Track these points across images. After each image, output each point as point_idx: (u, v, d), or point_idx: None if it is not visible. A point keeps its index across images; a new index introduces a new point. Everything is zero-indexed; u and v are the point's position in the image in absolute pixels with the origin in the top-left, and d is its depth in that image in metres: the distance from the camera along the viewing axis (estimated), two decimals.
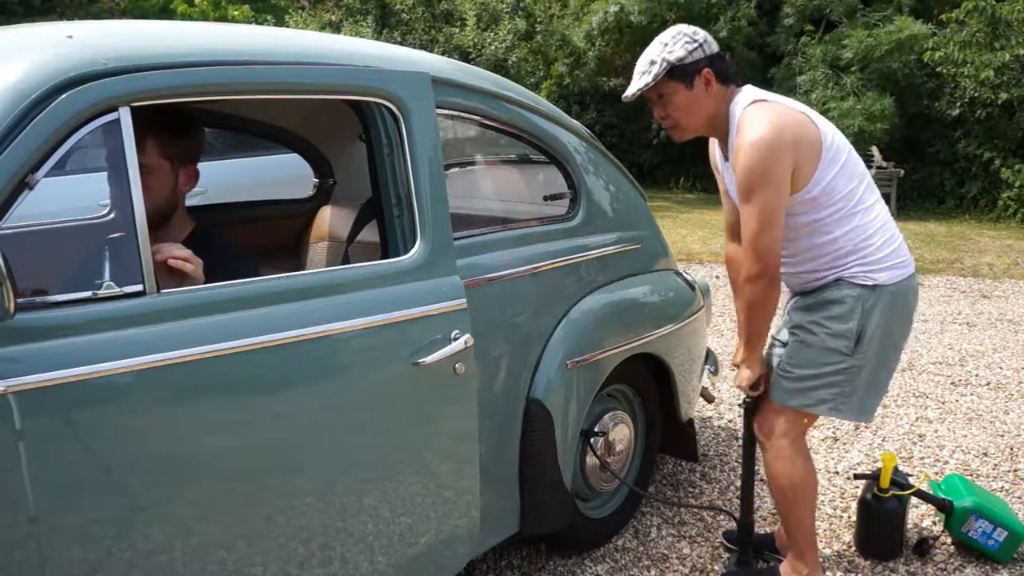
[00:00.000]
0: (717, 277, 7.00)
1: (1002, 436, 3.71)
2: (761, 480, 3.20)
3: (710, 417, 3.92)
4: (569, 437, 2.47)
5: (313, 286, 1.85)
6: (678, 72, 2.17)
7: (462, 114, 2.31)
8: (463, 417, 2.10)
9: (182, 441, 1.61)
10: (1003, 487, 3.20)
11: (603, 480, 2.72)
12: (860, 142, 10.09)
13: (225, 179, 4.13)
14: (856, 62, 11.08)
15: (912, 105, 11.27)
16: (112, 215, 1.82)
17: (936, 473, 3.32)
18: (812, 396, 2.30)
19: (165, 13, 17.79)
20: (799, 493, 2.39)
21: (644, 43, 2.27)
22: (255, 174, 4.70)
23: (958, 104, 10.84)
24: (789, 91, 10.52)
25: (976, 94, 10.52)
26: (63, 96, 1.50)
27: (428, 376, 1.98)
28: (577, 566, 2.68)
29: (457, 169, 2.85)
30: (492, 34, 14.74)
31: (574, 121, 2.76)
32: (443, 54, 11.78)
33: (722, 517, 2.96)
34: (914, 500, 2.77)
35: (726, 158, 2.31)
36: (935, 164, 11.51)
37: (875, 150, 10.72)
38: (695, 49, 2.17)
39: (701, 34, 2.20)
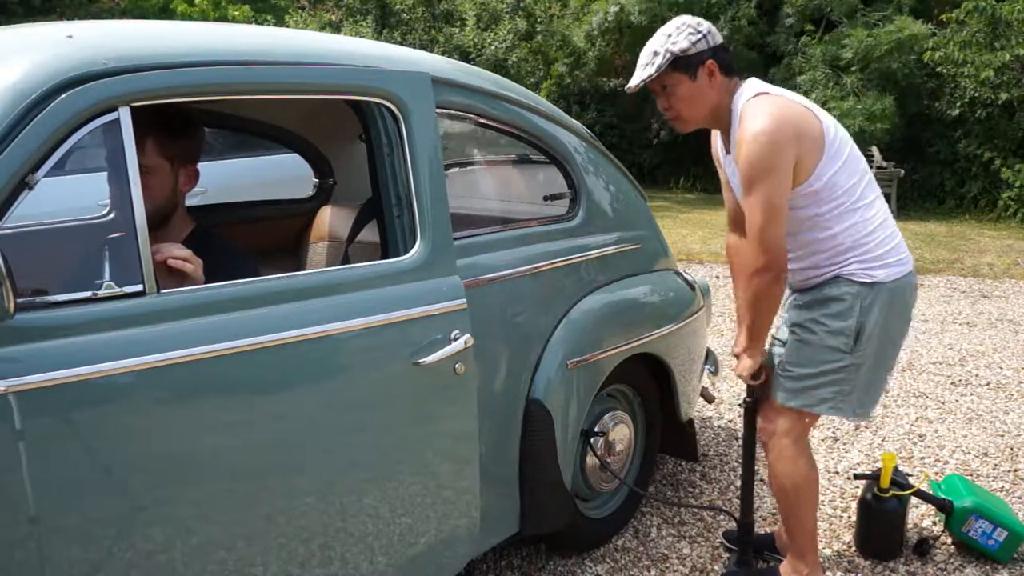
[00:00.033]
0: (717, 277, 7.01)
1: (1002, 436, 3.71)
2: (761, 480, 3.21)
3: (710, 417, 3.92)
4: (569, 437, 2.46)
5: (313, 286, 1.85)
6: (681, 63, 2.16)
7: (462, 114, 2.31)
8: (463, 417, 2.10)
9: (182, 441, 1.61)
10: (1003, 487, 3.20)
11: (603, 480, 2.72)
12: (860, 142, 9.97)
13: (225, 179, 4.13)
14: (856, 62, 11.08)
15: (912, 105, 11.27)
16: (112, 215, 1.82)
17: (936, 473, 3.32)
18: (813, 395, 2.30)
19: (165, 13, 17.79)
20: (801, 493, 2.39)
21: (644, 43, 2.26)
22: (255, 174, 4.70)
23: (958, 104, 10.85)
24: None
25: (976, 94, 10.52)
26: (63, 96, 1.50)
27: (428, 376, 1.98)
28: (577, 566, 2.68)
29: (457, 169, 2.85)
30: (492, 34, 14.74)
31: (574, 121, 2.76)
32: (443, 54, 11.78)
33: (722, 517, 2.96)
34: (914, 500, 2.77)
35: (727, 150, 2.31)
36: (935, 164, 11.51)
37: (875, 150, 10.73)
38: (699, 40, 2.16)
39: (705, 25, 2.20)
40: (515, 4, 14.66)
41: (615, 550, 2.77)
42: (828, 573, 2.62)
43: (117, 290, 1.56)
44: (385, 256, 2.07)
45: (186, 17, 15.47)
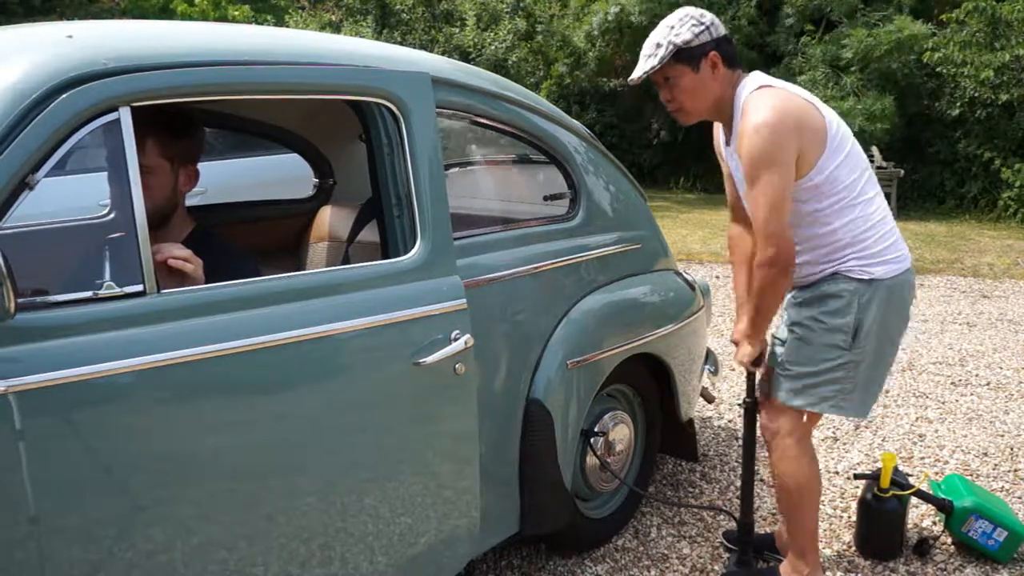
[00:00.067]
0: (717, 277, 7.01)
1: (1002, 436, 3.71)
2: (761, 480, 3.21)
3: (710, 417, 3.92)
4: (569, 437, 2.47)
5: (313, 286, 1.85)
6: (684, 55, 2.16)
7: (462, 114, 2.31)
8: (463, 417, 2.10)
9: (183, 441, 1.61)
10: (1003, 487, 3.20)
11: (603, 480, 2.72)
12: (860, 142, 9.84)
13: (225, 179, 4.13)
14: (856, 62, 11.08)
15: (912, 105, 11.27)
16: (112, 215, 1.82)
17: (936, 473, 3.32)
18: (815, 394, 2.30)
19: (165, 13, 17.79)
20: (804, 493, 2.39)
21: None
22: (255, 174, 4.70)
23: (958, 104, 10.84)
24: None
25: (976, 94, 10.52)
26: (63, 96, 1.50)
27: (428, 376, 1.99)
28: (577, 566, 2.68)
29: (457, 169, 2.85)
30: (492, 34, 14.73)
31: (574, 121, 2.76)
32: (443, 54, 11.78)
33: (722, 517, 2.96)
34: (914, 500, 2.77)
35: (728, 143, 2.31)
36: (935, 164, 11.51)
37: (875, 150, 10.72)
38: (702, 32, 2.16)
39: (708, 17, 2.19)
40: (515, 4, 14.66)
41: (615, 550, 2.77)
42: (828, 573, 2.62)
43: (117, 290, 1.56)
44: (385, 256, 2.07)
45: (186, 17, 15.47)
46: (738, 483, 2.97)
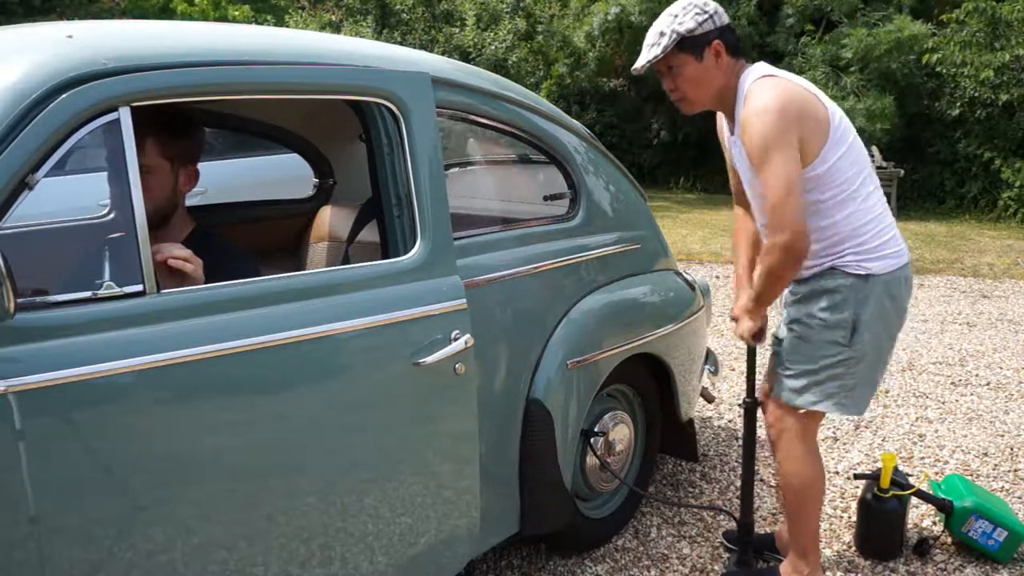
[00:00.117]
0: (717, 277, 7.01)
1: (1002, 436, 3.71)
2: (761, 480, 3.21)
3: (710, 417, 3.92)
4: (569, 437, 2.46)
5: (313, 286, 1.85)
6: (688, 44, 2.15)
7: (462, 114, 2.31)
8: (463, 417, 2.10)
9: (183, 441, 1.61)
10: (1003, 487, 3.20)
11: (603, 480, 2.72)
12: None
13: (225, 179, 4.13)
14: (856, 62, 11.08)
15: (912, 105, 11.27)
16: (112, 215, 1.82)
17: (936, 473, 3.32)
18: (816, 392, 2.29)
19: (165, 13, 17.79)
20: (808, 493, 2.39)
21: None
22: (255, 174, 4.70)
23: (958, 104, 10.85)
24: None
25: (976, 94, 10.53)
26: (63, 96, 1.50)
27: (428, 376, 1.98)
28: (577, 566, 2.68)
29: (457, 169, 2.85)
30: (492, 34, 14.73)
31: (574, 121, 2.76)
32: (443, 54, 11.78)
33: (722, 517, 2.96)
34: (914, 500, 2.77)
35: (732, 132, 2.30)
36: (935, 164, 11.51)
37: (875, 150, 10.73)
38: (705, 20, 2.15)
39: (711, 5, 2.18)
40: (515, 4, 14.66)
41: (615, 550, 2.77)
42: (828, 573, 2.62)
43: (117, 290, 1.56)
44: (385, 256, 2.07)
45: (186, 17, 15.48)
46: (738, 483, 2.97)
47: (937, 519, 2.85)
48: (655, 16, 2.25)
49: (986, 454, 3.51)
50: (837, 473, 3.32)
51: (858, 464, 3.41)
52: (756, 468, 2.63)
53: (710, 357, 3.25)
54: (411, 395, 1.99)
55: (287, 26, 16.84)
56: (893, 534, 2.71)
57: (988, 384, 4.44)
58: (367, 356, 1.92)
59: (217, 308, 1.67)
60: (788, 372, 2.33)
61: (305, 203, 3.12)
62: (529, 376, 2.36)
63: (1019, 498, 3.10)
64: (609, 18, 12.39)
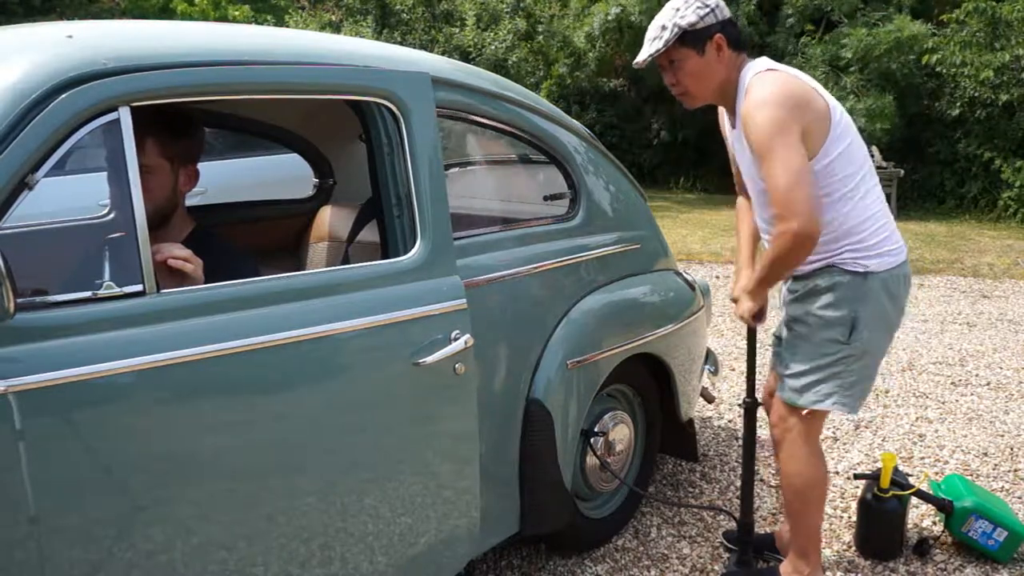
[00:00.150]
0: (717, 277, 7.01)
1: (1002, 436, 3.71)
2: (761, 480, 3.21)
3: (710, 417, 3.92)
4: (569, 437, 2.46)
5: (313, 286, 1.85)
6: (689, 38, 2.15)
7: (462, 114, 2.31)
8: (463, 417, 2.10)
9: (183, 441, 1.61)
10: (1003, 487, 3.20)
11: (603, 480, 2.72)
12: None
13: (225, 179, 4.13)
14: (855, 62, 11.08)
15: (912, 105, 11.27)
16: (112, 215, 1.82)
17: (936, 473, 3.32)
18: (818, 391, 2.28)
19: (165, 13, 17.79)
20: (811, 494, 2.38)
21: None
22: (255, 174, 4.70)
23: (958, 104, 10.85)
24: None
25: (976, 94, 10.53)
26: (63, 96, 1.50)
27: (428, 376, 1.98)
28: (577, 566, 2.68)
29: (457, 169, 2.85)
30: (492, 34, 14.73)
31: (574, 121, 2.76)
32: (443, 54, 11.78)
33: (722, 517, 2.96)
34: (914, 500, 2.77)
35: (733, 125, 2.30)
36: (935, 164, 11.51)
37: (875, 150, 10.73)
38: (707, 14, 2.15)
39: None
40: (515, 4, 14.65)
41: (615, 550, 2.77)
42: (828, 573, 2.62)
43: (117, 290, 1.56)
44: (385, 256, 2.07)
45: (186, 17, 15.48)
46: (738, 483, 2.97)
47: (937, 519, 2.85)
48: (655, 16, 2.25)
49: (986, 454, 3.51)
50: (837, 473, 3.32)
51: (858, 464, 3.41)
52: (756, 468, 2.64)
53: (710, 357, 3.25)
54: (411, 395, 1.99)
55: (287, 26, 16.84)
56: (893, 534, 2.71)
57: (988, 384, 4.44)
58: (367, 356, 1.92)
59: (217, 308, 1.67)
60: (789, 372, 2.33)
61: (305, 203, 3.12)
62: (529, 376, 2.36)
63: (1019, 498, 3.10)
64: (609, 18, 12.39)
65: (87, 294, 1.54)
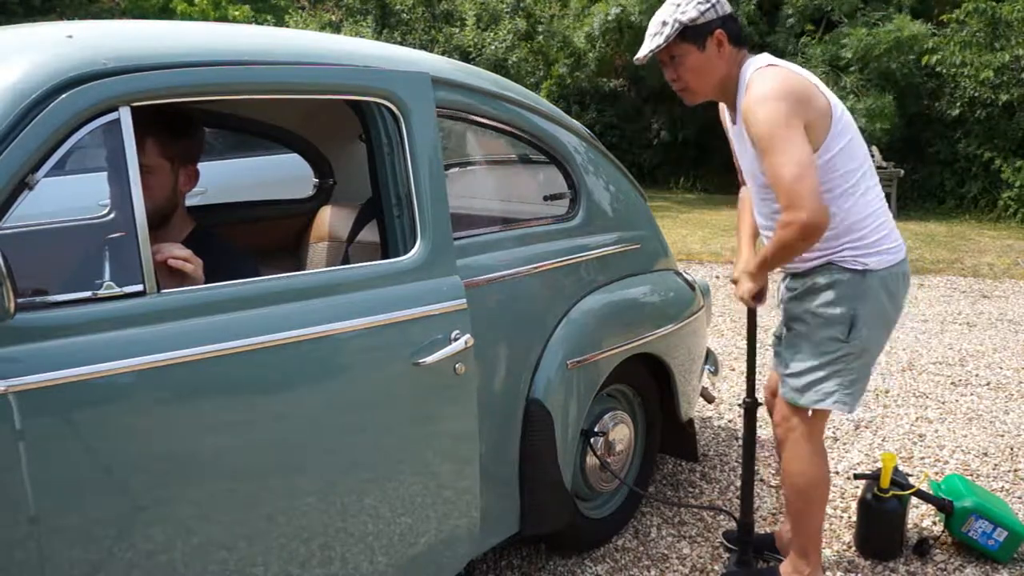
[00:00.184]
0: (717, 277, 7.01)
1: (1002, 436, 3.71)
2: (761, 480, 3.21)
3: (710, 417, 3.92)
4: (569, 437, 2.46)
5: (313, 286, 1.85)
6: (690, 33, 2.14)
7: (462, 114, 2.31)
8: (463, 417, 2.10)
9: (183, 441, 1.61)
10: (1003, 487, 3.20)
11: (603, 480, 2.72)
12: None
13: (225, 179, 4.13)
14: (855, 62, 11.08)
15: (912, 105, 11.27)
16: (112, 215, 1.82)
17: (936, 473, 3.32)
18: (819, 390, 2.28)
19: (165, 13, 17.80)
20: (814, 494, 2.38)
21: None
22: (255, 174, 4.70)
23: (958, 104, 10.85)
24: None
25: (976, 94, 10.53)
26: (63, 96, 1.50)
27: (428, 376, 1.99)
28: (577, 566, 2.68)
29: (457, 169, 2.85)
30: (492, 34, 14.73)
31: (574, 121, 2.76)
32: (443, 54, 11.78)
33: (722, 517, 2.96)
34: (914, 500, 2.77)
35: (734, 122, 2.30)
36: (935, 164, 11.51)
37: (875, 150, 10.73)
38: (708, 9, 2.15)
39: None
40: (515, 4, 14.66)
41: (615, 550, 2.77)
42: (828, 573, 2.62)
43: (117, 290, 1.56)
44: (385, 256, 2.07)
45: (186, 17, 15.48)
46: (738, 483, 2.97)
47: (937, 519, 2.85)
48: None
49: (986, 454, 3.51)
50: (837, 473, 3.32)
51: (858, 464, 3.41)
52: (756, 468, 2.63)
53: (710, 357, 3.25)
54: (411, 395, 1.99)
55: (287, 26, 16.84)
56: (893, 534, 2.71)
57: (988, 384, 4.44)
58: (367, 356, 1.92)
59: (217, 308, 1.67)
60: (789, 371, 2.33)
61: (305, 203, 3.12)
62: (529, 376, 2.36)
63: (1019, 498, 3.10)
64: (609, 18, 12.39)
65: (87, 294, 1.54)
